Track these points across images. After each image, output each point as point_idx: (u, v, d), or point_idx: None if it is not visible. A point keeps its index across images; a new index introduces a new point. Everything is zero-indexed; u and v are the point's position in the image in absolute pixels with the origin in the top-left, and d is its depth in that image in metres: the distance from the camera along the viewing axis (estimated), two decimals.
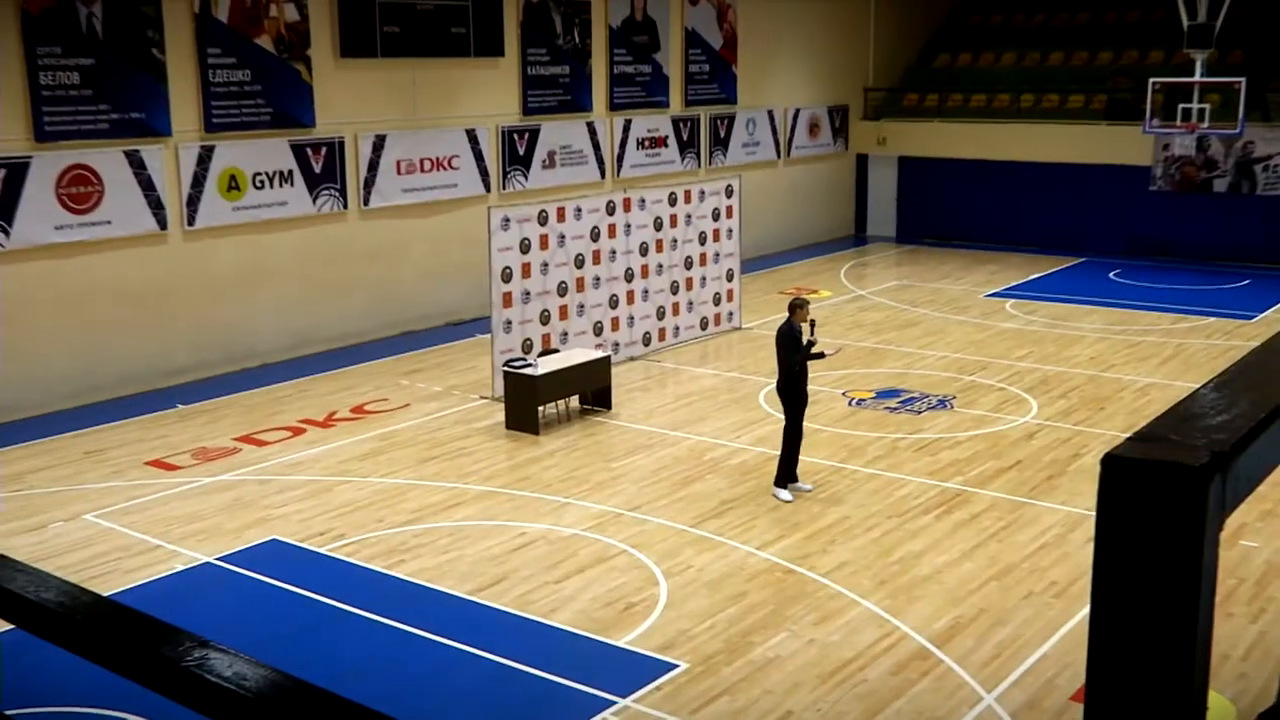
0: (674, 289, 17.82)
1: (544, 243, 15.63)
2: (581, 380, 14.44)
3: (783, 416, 11.62)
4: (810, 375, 11.94)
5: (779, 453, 11.83)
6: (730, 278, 18.75)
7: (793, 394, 11.61)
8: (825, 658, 8.56)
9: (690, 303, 18.13)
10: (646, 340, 17.48)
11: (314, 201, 17.70)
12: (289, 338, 17.65)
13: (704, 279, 18.30)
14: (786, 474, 11.70)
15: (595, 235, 16.42)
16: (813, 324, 11.67)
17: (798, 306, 11.63)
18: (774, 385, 11.82)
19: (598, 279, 16.53)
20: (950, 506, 11.41)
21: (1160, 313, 19.88)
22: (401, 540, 10.79)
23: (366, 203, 18.39)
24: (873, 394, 15.18)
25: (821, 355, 11.80)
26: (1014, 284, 22.75)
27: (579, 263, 16.20)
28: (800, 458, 12.13)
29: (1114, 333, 18.53)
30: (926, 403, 14.77)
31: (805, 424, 12.02)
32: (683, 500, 11.68)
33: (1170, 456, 1.33)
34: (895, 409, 14.56)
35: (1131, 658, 1.25)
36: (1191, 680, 1.25)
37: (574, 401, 14.79)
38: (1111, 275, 23.67)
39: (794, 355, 11.45)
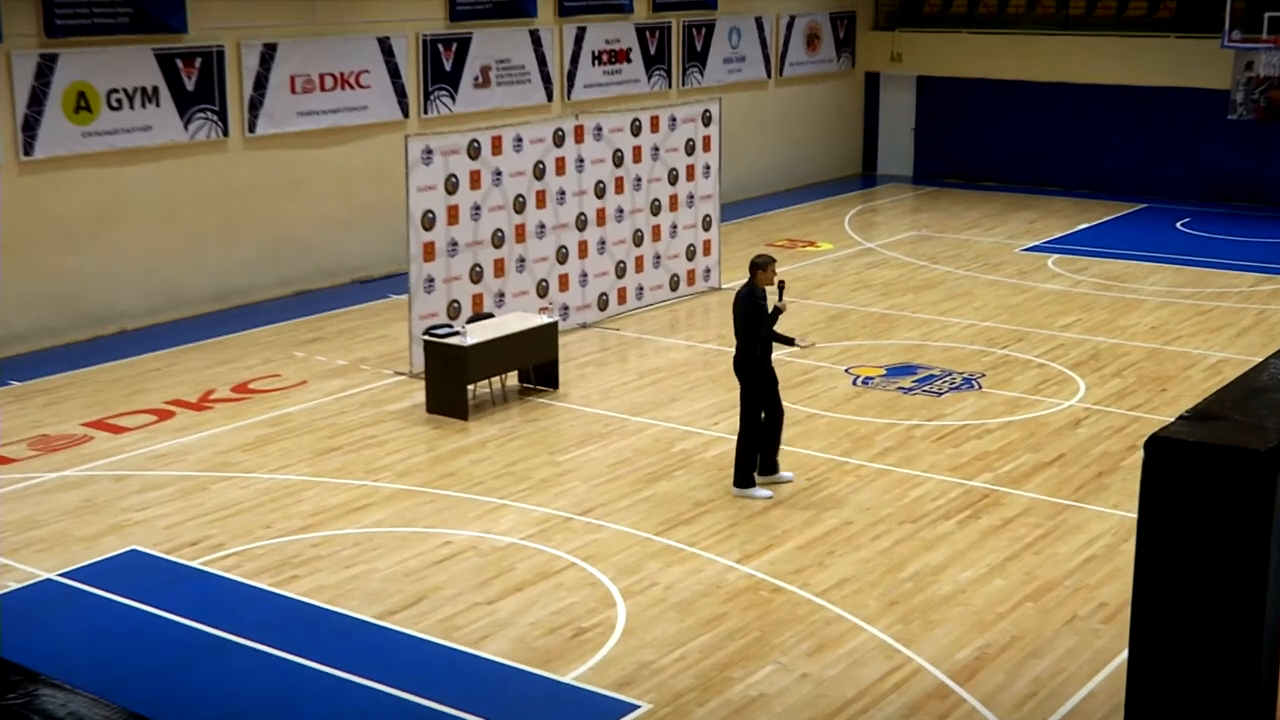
0: (637, 240, 17.82)
1: (475, 180, 15.57)
2: (521, 353, 14.42)
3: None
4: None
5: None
6: (707, 226, 18.75)
7: (755, 372, 11.60)
8: (821, 697, 8.62)
9: (657, 257, 18.13)
10: (603, 303, 17.48)
11: (186, 127, 17.53)
12: (154, 297, 17.52)
13: (674, 228, 18.29)
14: (748, 468, 11.67)
15: (539, 172, 16.37)
16: (781, 286, 11.66)
17: (761, 266, 11.63)
18: (734, 362, 11.80)
19: (542, 226, 16.49)
20: (976, 510, 11.50)
21: (1239, 271, 20.07)
22: (295, 551, 10.76)
23: (252, 129, 18.24)
24: (882, 371, 15.25)
25: (790, 341, 11.83)
26: (1058, 236, 22.89)
27: (519, 206, 16.15)
28: (791, 449, 12.16)
29: (1181, 296, 18.70)
30: (948, 382, 14.86)
31: (798, 407, 12.05)
32: (646, 502, 11.70)
33: (1231, 439, 1.33)
34: (910, 389, 14.63)
35: (1180, 679, 1.25)
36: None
37: (512, 379, 14.77)
38: (1179, 225, 23.87)
39: (757, 325, 11.46)
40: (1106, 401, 14.22)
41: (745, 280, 11.77)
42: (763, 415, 11.75)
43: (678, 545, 10.79)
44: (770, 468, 11.95)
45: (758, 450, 11.77)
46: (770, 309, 11.54)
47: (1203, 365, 15.44)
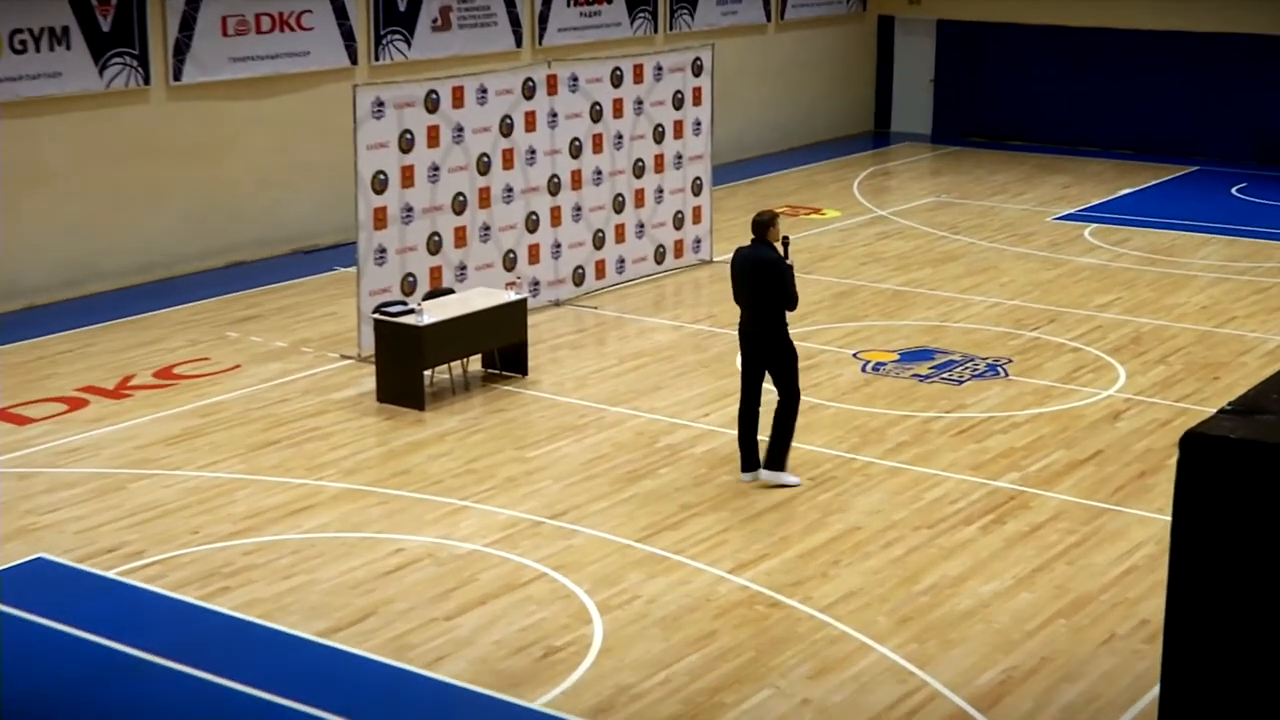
0: (618, 206, 17.80)
1: (434, 137, 15.54)
2: (485, 334, 14.41)
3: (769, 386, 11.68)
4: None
5: (770, 432, 11.94)
6: (697, 190, 18.75)
7: (785, 348, 11.75)
8: None
9: (641, 225, 18.12)
10: (578, 278, 17.47)
11: (101, 74, 17.46)
12: (65, 269, 17.46)
13: (660, 192, 18.29)
14: (787, 449, 11.86)
15: (507, 128, 16.34)
16: (786, 243, 11.80)
17: (769, 224, 11.76)
18: (752, 337, 11.84)
19: (510, 190, 16.47)
20: (1002, 514, 11.53)
21: None
22: (226, 560, 10.75)
23: (178, 76, 18.17)
24: (896, 356, 15.27)
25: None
26: (1096, 203, 22.94)
27: (483, 166, 16.13)
28: (792, 444, 12.18)
29: (1236, 271, 18.76)
30: (971, 368, 14.89)
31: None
32: (627, 504, 11.71)
33: (1274, 436, 1.33)
34: (927, 377, 14.66)
35: (1219, 702, 1.25)
36: None
37: (475, 364, 14.77)
38: (1235, 191, 23.95)
39: (790, 286, 11.61)
40: (1150, 391, 14.26)
41: (751, 241, 11.84)
42: (745, 399, 11.92)
43: (662, 553, 10.80)
44: (760, 462, 12.01)
45: (755, 430, 11.88)
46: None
47: (1260, 351, 15.50)
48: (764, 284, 11.66)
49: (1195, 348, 15.60)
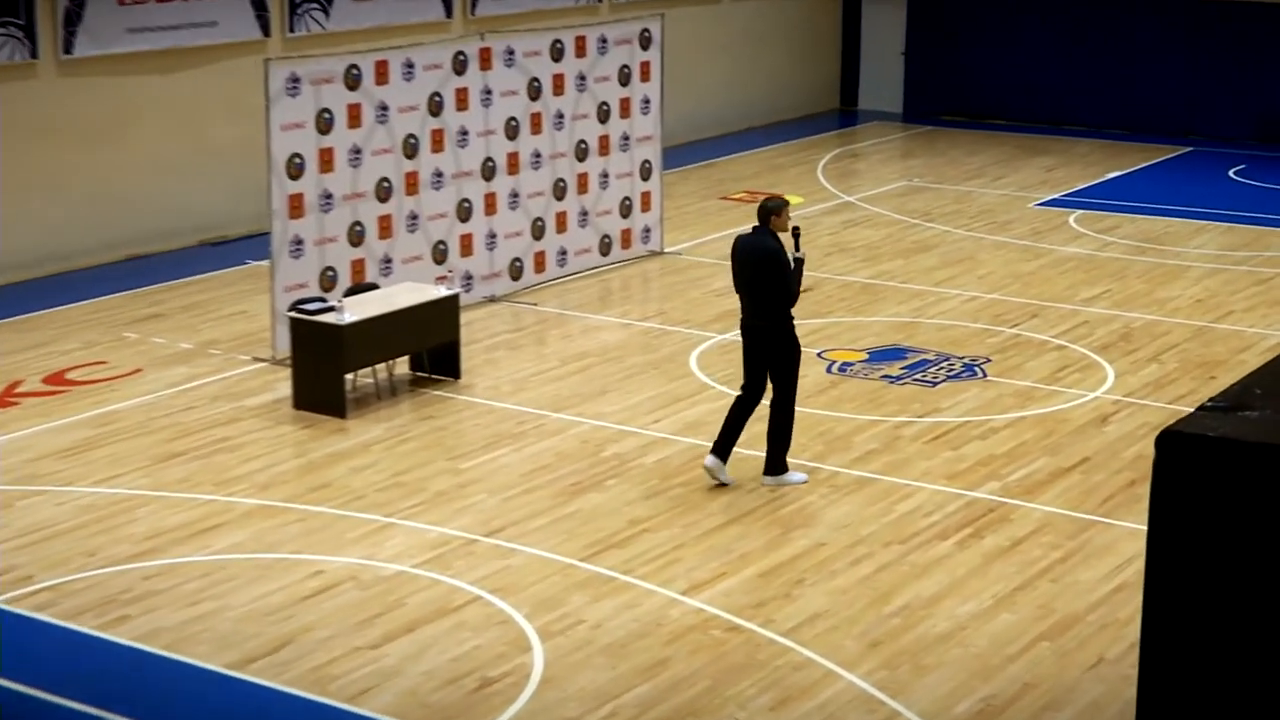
0: (559, 192, 17.80)
1: (355, 117, 15.50)
2: (414, 333, 14.39)
3: (738, 390, 11.72)
4: None
5: (767, 432, 12.16)
6: (646, 175, 18.78)
7: (787, 343, 11.94)
8: None
9: (584, 213, 18.13)
10: (516, 271, 17.46)
11: None
12: None
13: (606, 176, 18.30)
14: (784, 452, 12.14)
15: (436, 106, 16.32)
16: (796, 233, 11.97)
17: (775, 210, 11.89)
18: (753, 330, 12.02)
19: (439, 175, 16.44)
20: (980, 528, 11.59)
21: None
22: (126, 585, 10.68)
23: (69, 50, 18.06)
24: (864, 355, 15.33)
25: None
26: (1082, 187, 23.08)
27: (410, 149, 16.10)
28: (749, 452, 12.23)
29: (1233, 261, 18.92)
30: (946, 368, 14.96)
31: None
32: (570, 520, 11.71)
33: (1262, 435, 1.36)
34: (898, 378, 14.72)
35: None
36: None
37: (402, 366, 14.74)
38: (1232, 173, 24.16)
39: (789, 281, 11.79)
40: (1141, 393, 14.38)
41: (754, 228, 11.98)
42: (745, 391, 12.11)
43: (609, 573, 10.80)
44: (729, 453, 12.18)
45: (741, 425, 12.06)
46: (792, 260, 11.85)
47: (1260, 347, 15.64)
48: (761, 275, 11.82)
49: (1190, 344, 15.73)
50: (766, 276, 11.80)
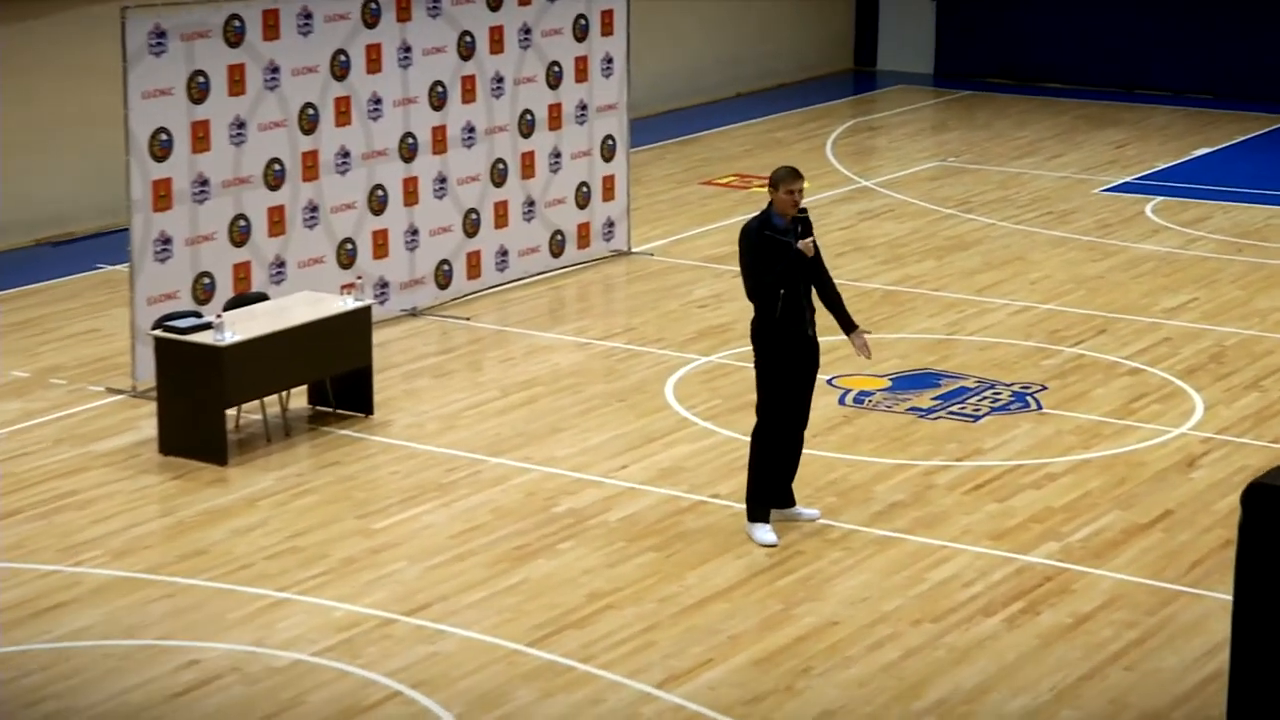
0: (498, 176, 17.78)
1: (237, 81, 15.48)
2: (314, 357, 14.36)
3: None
4: None
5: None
6: (609, 155, 18.77)
7: (764, 349, 11.97)
8: None
9: (531, 204, 18.12)
10: (444, 278, 17.43)
11: None
12: None
13: (558, 157, 18.29)
14: (758, 495, 12.09)
15: (341, 69, 16.29)
16: (803, 220, 11.95)
17: (773, 183, 11.95)
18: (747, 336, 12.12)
19: (346, 156, 16.42)
20: (1034, 601, 11.58)
21: None
22: None
23: None
24: (887, 383, 15.33)
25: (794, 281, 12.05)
26: (1161, 167, 23.13)
27: (308, 123, 16.07)
28: (743, 503, 12.27)
29: None
30: (990, 399, 14.98)
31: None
32: (514, 593, 11.68)
33: None
34: (929, 411, 14.72)
35: None
36: None
37: (300, 399, 14.74)
38: None
39: (765, 271, 11.76)
40: (1237, 428, 14.41)
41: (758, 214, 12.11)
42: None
43: (564, 661, 10.77)
44: (784, 499, 12.24)
45: (772, 468, 12.06)
46: (792, 250, 11.80)
47: None
48: (740, 262, 11.95)
49: None
50: (741, 261, 11.94)
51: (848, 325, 12.36)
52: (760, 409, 12.12)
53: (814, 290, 12.11)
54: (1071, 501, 13.02)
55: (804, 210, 12.05)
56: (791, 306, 11.90)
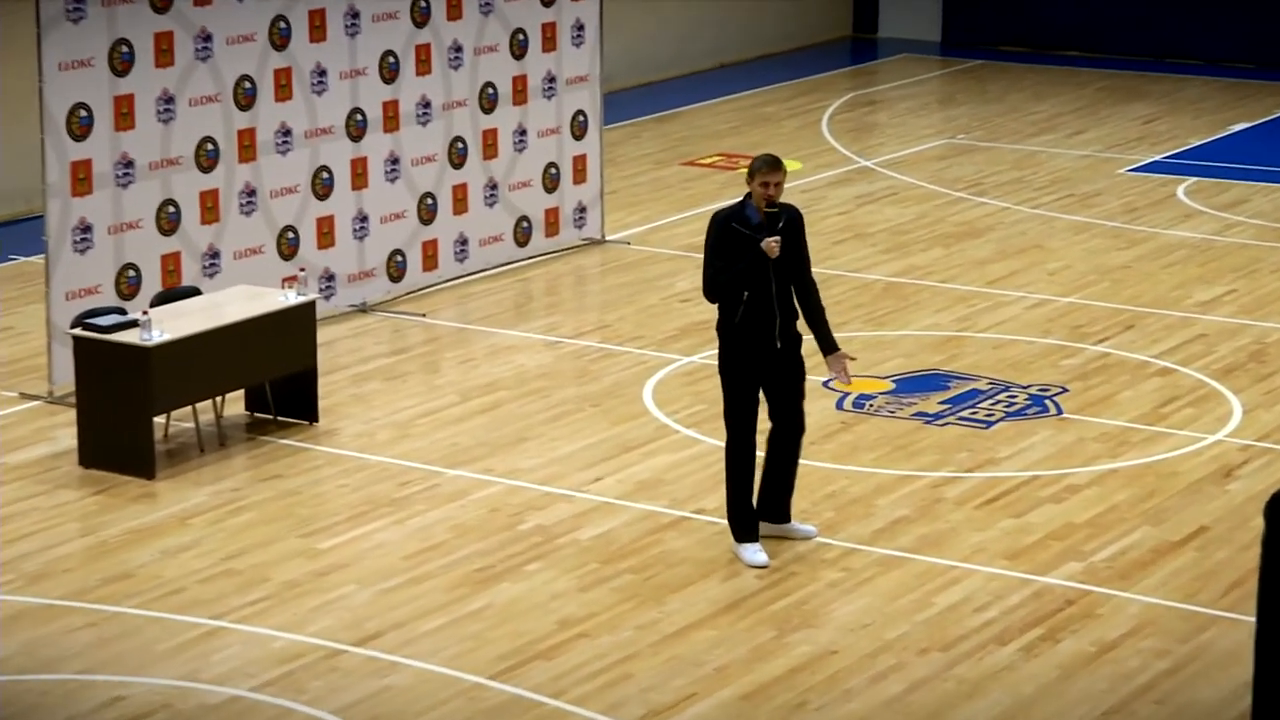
0: (456, 157, 17.76)
1: (165, 51, 15.47)
2: (252, 359, 14.34)
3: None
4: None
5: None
6: (580, 132, 18.76)
7: (724, 349, 11.93)
8: None
9: (493, 186, 18.09)
10: (396, 270, 17.41)
11: None
12: None
13: (523, 135, 18.27)
14: (739, 513, 12.02)
15: (280, 36, 16.28)
16: (778, 214, 11.78)
17: (751, 173, 11.82)
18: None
19: (287, 134, 16.41)
20: (1054, 628, 11.59)
21: None
22: None
23: None
24: (890, 385, 15.33)
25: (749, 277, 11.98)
26: (1195, 144, 23.16)
27: (245, 97, 16.06)
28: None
29: None
30: (1005, 403, 14.99)
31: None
32: (475, 620, 11.66)
33: None
34: (936, 416, 14.73)
35: None
36: None
37: (236, 405, 14.71)
38: None
39: (722, 268, 11.72)
40: (1278, 434, 14.48)
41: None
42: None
43: (531, 696, 10.77)
44: (776, 514, 12.16)
45: (749, 483, 11.99)
46: (760, 241, 11.65)
47: None
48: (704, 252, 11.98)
49: None
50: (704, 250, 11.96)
51: (827, 345, 12.12)
52: (725, 420, 12.02)
53: (794, 296, 11.94)
54: (1095, 517, 12.99)
55: (787, 205, 11.82)
56: (756, 312, 11.73)
